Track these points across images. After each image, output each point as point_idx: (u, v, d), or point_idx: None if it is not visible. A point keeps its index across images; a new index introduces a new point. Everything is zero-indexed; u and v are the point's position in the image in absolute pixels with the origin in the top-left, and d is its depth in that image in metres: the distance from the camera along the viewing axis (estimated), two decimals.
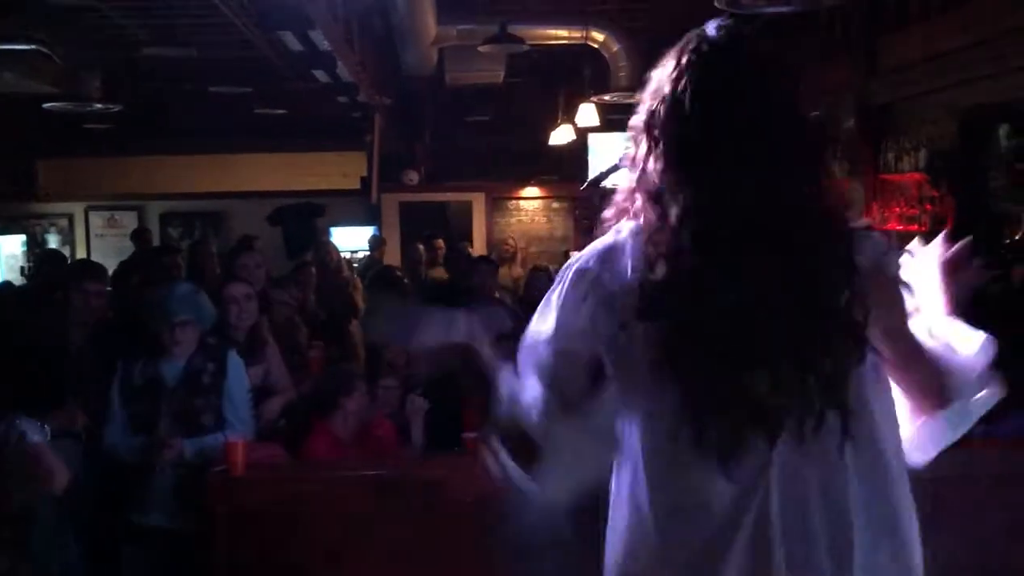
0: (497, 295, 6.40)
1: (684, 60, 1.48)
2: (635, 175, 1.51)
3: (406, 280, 6.54)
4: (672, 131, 1.45)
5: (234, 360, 3.82)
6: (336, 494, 3.33)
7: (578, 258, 1.58)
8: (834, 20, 7.89)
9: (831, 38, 8.37)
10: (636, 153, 1.50)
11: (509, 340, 4.36)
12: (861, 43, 8.08)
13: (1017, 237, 8.06)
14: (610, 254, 1.52)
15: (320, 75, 7.71)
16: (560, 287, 1.56)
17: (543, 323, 1.56)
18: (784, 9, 5.08)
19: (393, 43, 7.85)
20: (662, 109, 1.47)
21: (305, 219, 7.97)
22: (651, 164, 1.47)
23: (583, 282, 1.52)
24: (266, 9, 5.69)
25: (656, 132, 1.47)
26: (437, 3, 7.08)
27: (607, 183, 9.42)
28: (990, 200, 7.19)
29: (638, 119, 1.51)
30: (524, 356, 1.59)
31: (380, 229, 11.37)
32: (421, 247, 8.78)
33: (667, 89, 1.47)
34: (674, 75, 1.47)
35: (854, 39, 8.14)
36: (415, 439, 4.04)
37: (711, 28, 1.51)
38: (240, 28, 6.12)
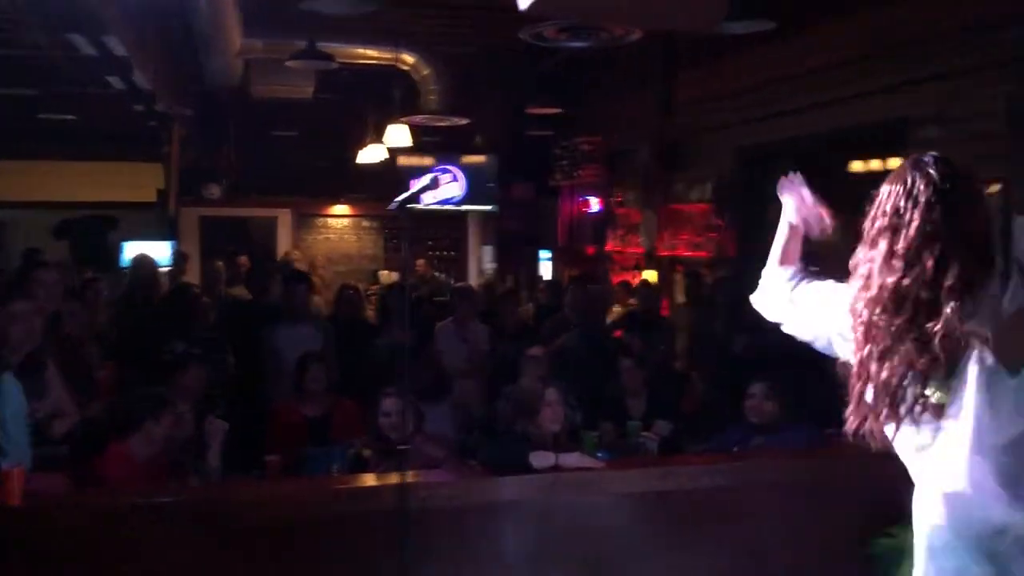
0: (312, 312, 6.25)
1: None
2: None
3: (204, 299, 6.29)
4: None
5: (8, 383, 3.55)
6: (121, 522, 3.16)
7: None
8: (632, 57, 8.34)
9: (630, 74, 8.86)
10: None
11: (319, 360, 4.24)
12: (657, 81, 8.61)
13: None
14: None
15: (114, 81, 7.32)
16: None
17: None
18: (584, 44, 5.32)
19: (195, 52, 7.58)
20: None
21: (95, 232, 7.51)
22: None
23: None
24: (56, 10, 5.36)
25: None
26: (244, 14, 6.91)
27: (416, 204, 9.51)
28: (768, 231, 7.81)
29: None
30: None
31: (178, 244, 10.88)
32: (220, 264, 8.47)
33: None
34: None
35: (651, 76, 8.66)
36: (211, 462, 3.90)
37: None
38: (26, 28, 5.72)
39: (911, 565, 3.29)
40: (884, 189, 1.92)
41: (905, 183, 1.86)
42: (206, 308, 6.16)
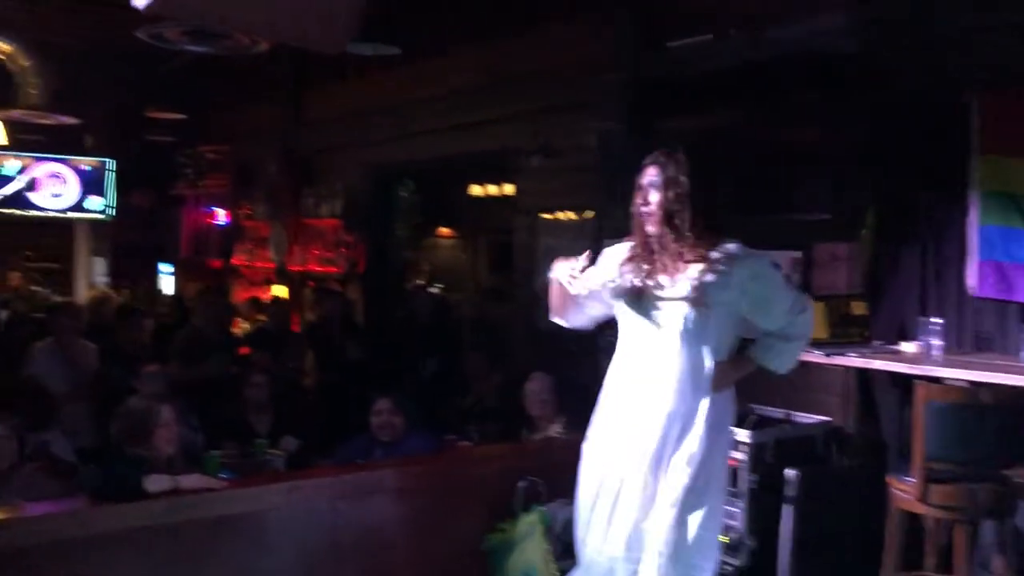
0: None
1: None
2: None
3: None
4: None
5: None
6: None
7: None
8: (262, 68, 8.20)
9: (260, 85, 8.69)
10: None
11: None
12: (286, 93, 8.53)
13: (419, 281, 9.19)
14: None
15: None
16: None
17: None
18: (207, 50, 5.14)
19: None
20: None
21: None
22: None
23: None
24: None
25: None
26: None
27: (12, 208, 8.49)
28: (395, 247, 8.10)
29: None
30: None
31: None
32: None
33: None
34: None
35: (280, 88, 8.57)
36: None
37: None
38: None
39: (519, 554, 3.59)
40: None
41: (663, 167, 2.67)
42: None
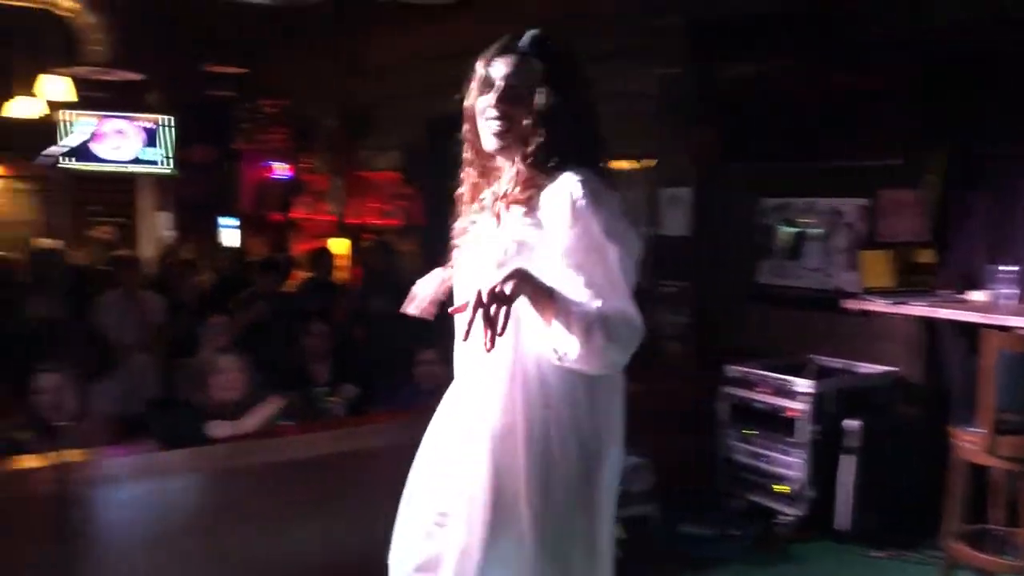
0: None
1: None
2: None
3: None
4: None
5: None
6: None
7: None
8: (320, 20, 8.18)
9: (317, 37, 8.68)
10: None
11: None
12: (343, 45, 8.51)
13: None
14: None
15: None
16: None
17: None
18: (265, 2, 5.15)
19: None
20: None
21: None
22: None
23: None
24: None
25: None
26: None
27: (77, 162, 8.67)
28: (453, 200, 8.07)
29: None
30: None
31: None
32: None
33: None
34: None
35: (338, 40, 8.55)
36: None
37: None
38: None
39: None
40: None
41: None
42: None
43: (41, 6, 7.34)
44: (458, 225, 2.02)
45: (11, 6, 7.28)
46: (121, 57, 7.79)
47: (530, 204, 1.75)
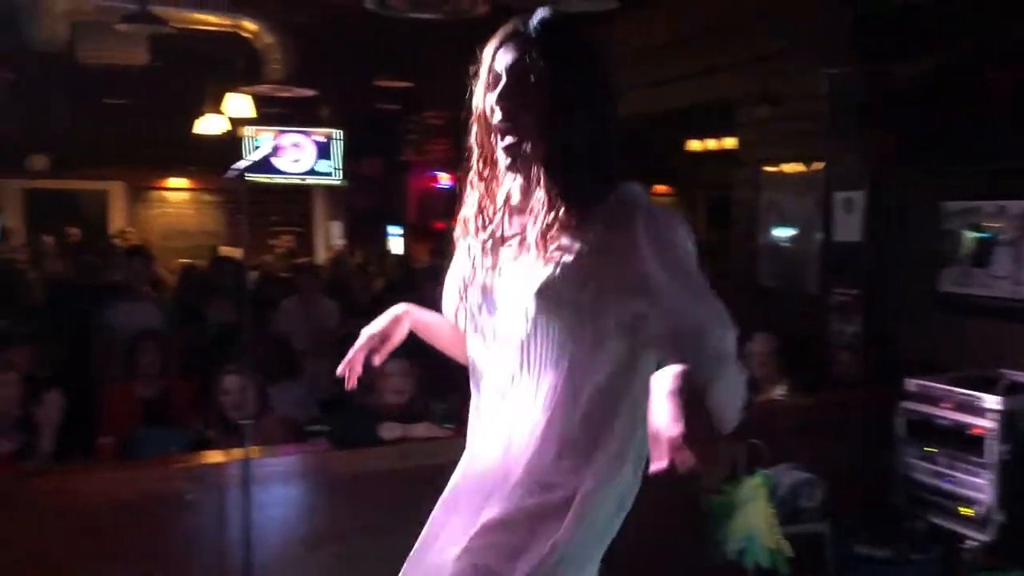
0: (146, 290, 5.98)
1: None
2: None
3: (32, 275, 5.92)
4: None
5: None
6: None
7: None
8: (479, 31, 8.32)
9: (478, 47, 8.84)
10: None
11: (154, 339, 4.08)
12: None
13: None
14: None
15: None
16: None
17: None
18: (431, 16, 5.29)
19: (14, 12, 7.05)
20: None
21: None
22: None
23: None
24: None
25: None
26: None
27: (260, 175, 9.21)
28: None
29: None
30: None
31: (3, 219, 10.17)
32: (49, 239, 7.98)
33: None
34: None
35: None
36: (44, 445, 3.69)
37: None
38: None
39: (742, 517, 3.49)
40: None
41: None
42: (32, 285, 5.81)
43: (228, 29, 7.85)
44: (461, 265, 1.76)
45: (203, 30, 7.82)
46: (296, 74, 8.22)
47: (582, 226, 1.47)
